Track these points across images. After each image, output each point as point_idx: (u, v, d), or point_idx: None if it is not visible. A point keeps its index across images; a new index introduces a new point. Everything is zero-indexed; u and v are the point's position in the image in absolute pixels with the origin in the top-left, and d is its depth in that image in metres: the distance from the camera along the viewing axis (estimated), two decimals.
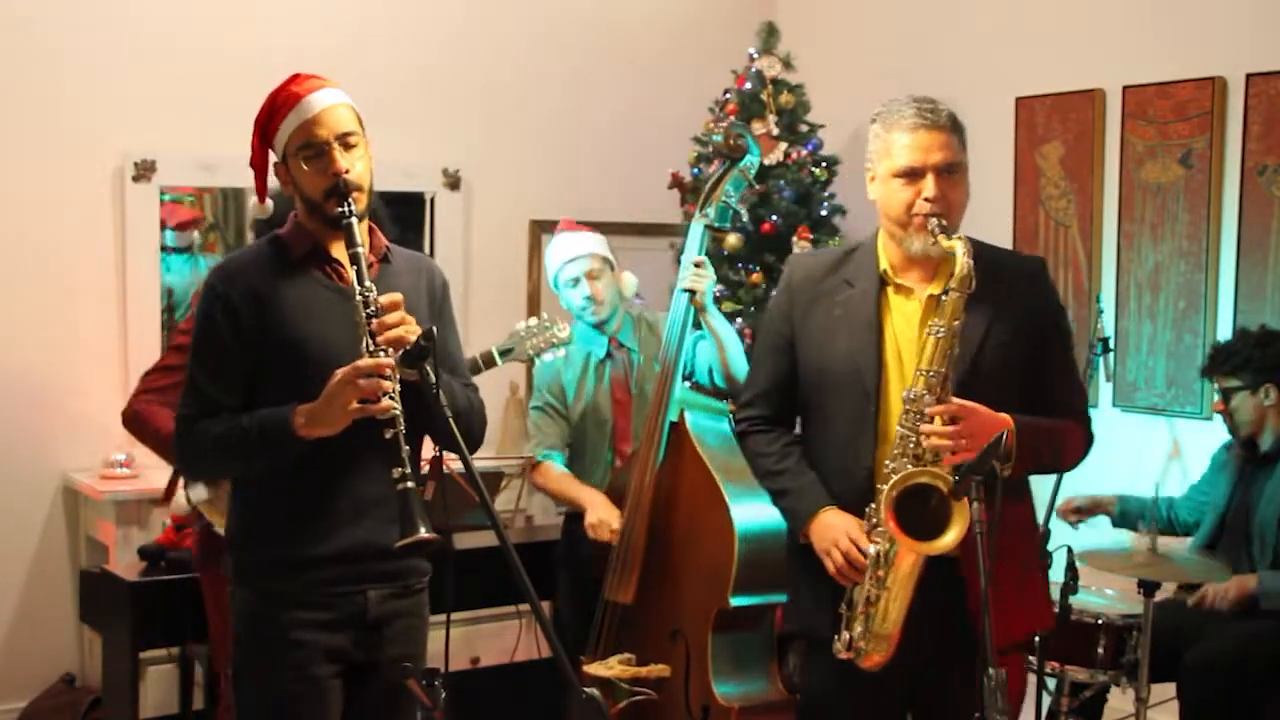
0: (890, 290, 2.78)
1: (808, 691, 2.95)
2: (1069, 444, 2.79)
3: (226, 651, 3.53)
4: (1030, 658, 3.95)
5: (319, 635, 2.57)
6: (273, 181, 2.70)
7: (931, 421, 2.59)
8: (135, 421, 3.49)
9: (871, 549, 2.66)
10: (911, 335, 2.73)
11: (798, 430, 2.96)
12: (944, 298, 2.62)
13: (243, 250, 2.72)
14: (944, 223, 2.65)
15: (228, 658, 3.48)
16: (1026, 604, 2.83)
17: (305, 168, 2.55)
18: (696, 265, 3.68)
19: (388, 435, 2.42)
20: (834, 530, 2.72)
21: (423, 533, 2.36)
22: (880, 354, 2.73)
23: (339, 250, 2.60)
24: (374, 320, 2.46)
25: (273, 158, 2.64)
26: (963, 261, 2.60)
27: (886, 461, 2.65)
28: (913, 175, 2.68)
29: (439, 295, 2.77)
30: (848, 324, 2.77)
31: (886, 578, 2.64)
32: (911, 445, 2.62)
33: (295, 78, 2.59)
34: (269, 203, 2.75)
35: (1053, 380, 2.79)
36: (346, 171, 2.53)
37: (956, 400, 2.60)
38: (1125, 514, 4.39)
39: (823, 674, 2.82)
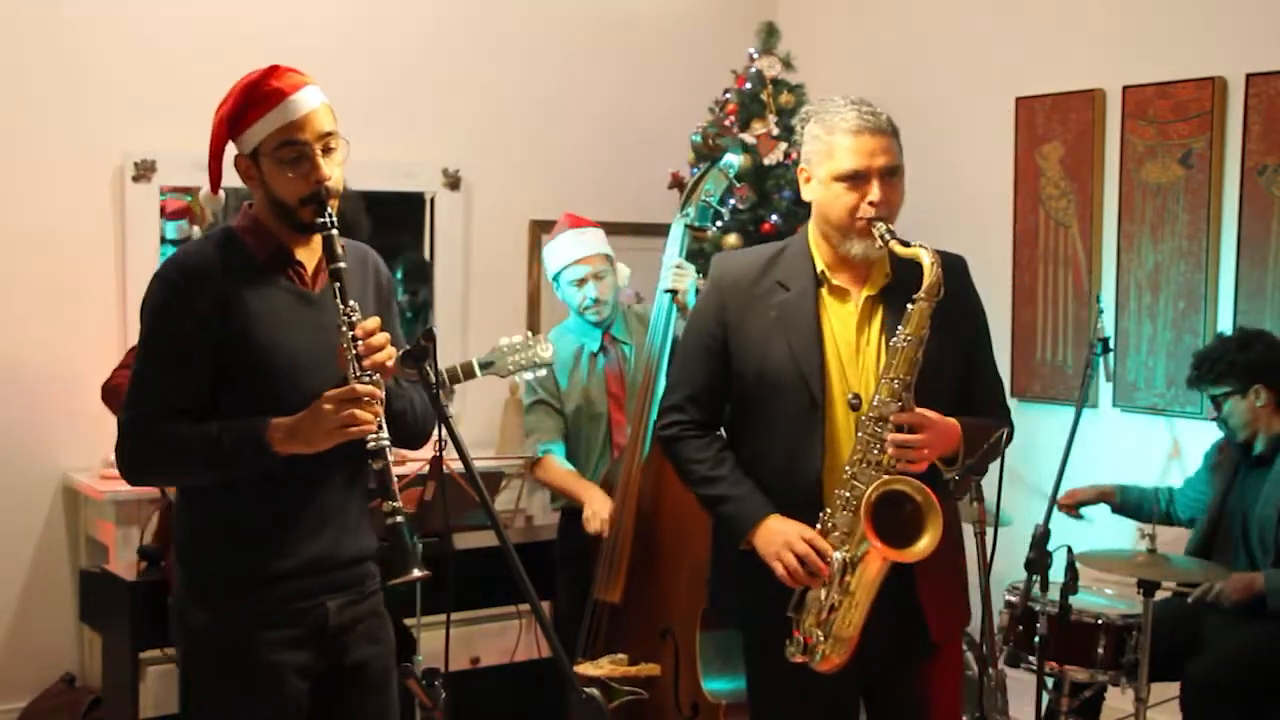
0: (825, 292, 2.76)
1: (758, 698, 2.90)
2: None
3: None
4: (1030, 658, 3.96)
5: (287, 654, 2.48)
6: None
7: (898, 430, 2.58)
8: (115, 395, 3.48)
9: (836, 555, 2.62)
10: (849, 337, 2.73)
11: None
12: (911, 306, 2.61)
13: (194, 244, 2.56)
14: (891, 228, 2.64)
15: None
16: (958, 600, 2.85)
17: (286, 171, 2.42)
18: (676, 266, 3.72)
19: (377, 466, 2.36)
20: (785, 535, 2.66)
21: (414, 573, 2.32)
22: (822, 357, 2.71)
23: (303, 252, 2.52)
24: (359, 344, 2.38)
25: (232, 149, 2.51)
26: (932, 270, 2.59)
27: (846, 468, 2.64)
28: (856, 179, 2.66)
29: (385, 288, 2.68)
30: (787, 327, 2.73)
31: (851, 584, 2.62)
32: (875, 452, 2.60)
33: (275, 71, 2.47)
34: (221, 194, 2.66)
35: (977, 377, 2.82)
36: (328, 179, 2.43)
37: (920, 410, 2.60)
38: (1125, 502, 4.41)
39: (773, 678, 2.80)
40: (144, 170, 4.90)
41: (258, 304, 2.46)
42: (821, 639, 2.64)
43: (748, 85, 5.47)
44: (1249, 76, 4.59)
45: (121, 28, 4.85)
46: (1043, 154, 5.21)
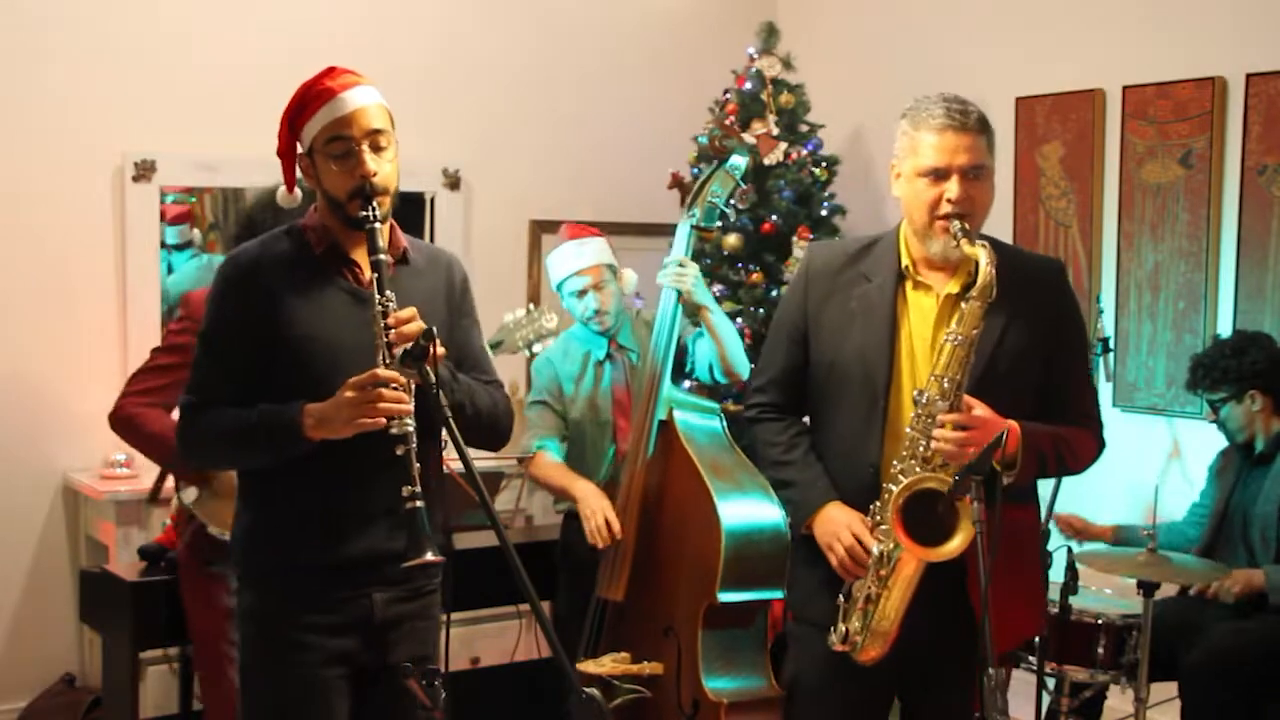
0: (909, 286, 2.77)
1: (797, 677, 2.94)
2: (1078, 450, 2.78)
3: (207, 651, 3.56)
4: (1030, 658, 3.97)
5: (325, 639, 2.55)
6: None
7: (943, 428, 2.58)
8: (126, 424, 3.45)
9: (875, 548, 2.65)
10: (927, 333, 2.73)
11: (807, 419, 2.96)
12: (963, 305, 2.61)
13: (258, 240, 2.66)
14: (966, 226, 2.64)
15: (209, 657, 3.50)
16: (1024, 610, 2.83)
17: (333, 166, 2.51)
18: (679, 264, 3.71)
19: (399, 452, 2.40)
20: (836, 525, 2.72)
21: (429, 555, 2.34)
22: (893, 351, 2.73)
23: (358, 251, 2.57)
24: (391, 332, 2.42)
25: (298, 149, 2.60)
26: (985, 270, 2.58)
27: (895, 463, 2.65)
28: (938, 176, 2.66)
29: (459, 290, 2.75)
30: (863, 319, 2.76)
31: (889, 578, 2.64)
32: (921, 449, 2.61)
33: (331, 71, 2.56)
34: (297, 192, 2.68)
35: (1066, 385, 2.79)
36: (374, 174, 2.50)
37: (968, 399, 2.59)
38: (1120, 543, 4.36)
39: (814, 661, 2.82)
40: (144, 170, 4.90)
41: (307, 299, 2.53)
42: (859, 629, 2.67)
43: (748, 85, 5.47)
44: (1249, 76, 4.59)
45: (121, 28, 4.84)
46: (1043, 154, 5.21)
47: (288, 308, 2.52)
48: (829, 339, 2.80)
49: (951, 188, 2.65)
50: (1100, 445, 2.85)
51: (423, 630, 2.67)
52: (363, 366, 2.45)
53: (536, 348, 3.85)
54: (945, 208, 2.66)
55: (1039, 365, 2.74)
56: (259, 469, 2.60)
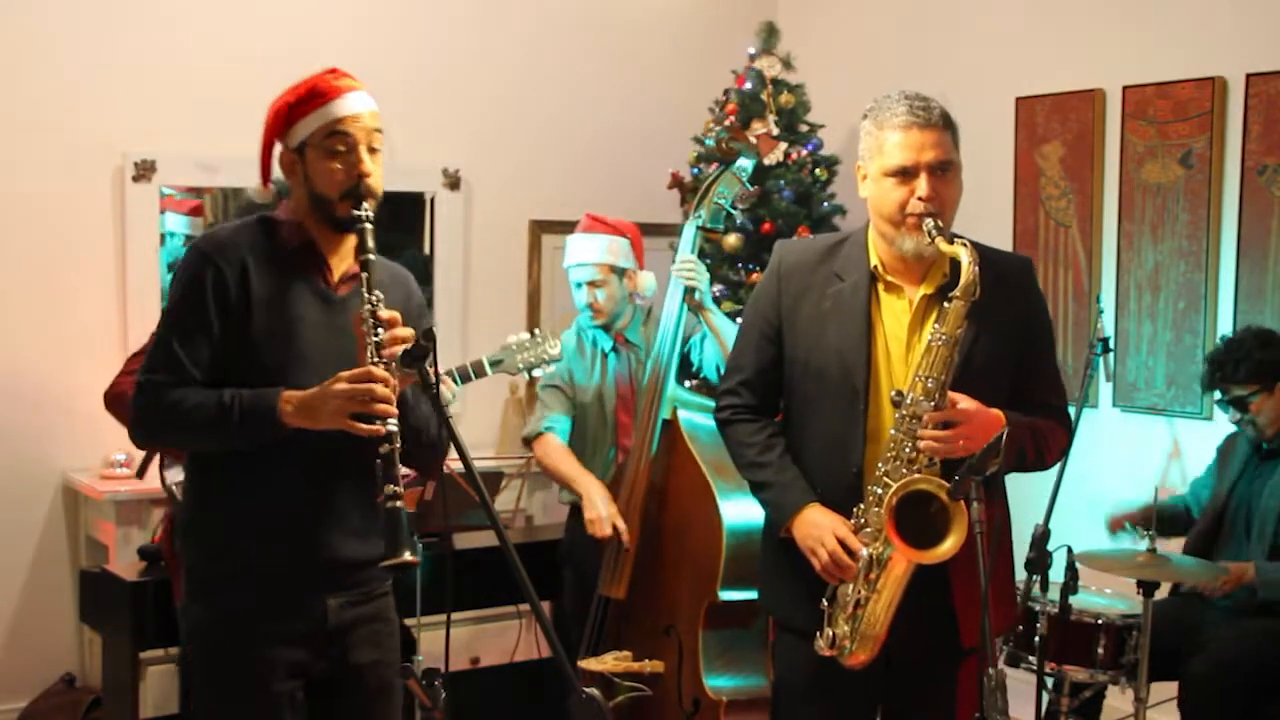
0: (880, 287, 2.76)
1: (782, 681, 2.92)
2: (1051, 443, 2.80)
3: None
4: (1030, 658, 3.97)
5: (279, 650, 2.50)
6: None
7: (928, 428, 2.57)
8: (118, 399, 3.47)
9: (864, 552, 2.63)
10: (901, 334, 2.72)
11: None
12: (946, 304, 2.60)
13: (232, 224, 2.60)
14: (940, 224, 2.62)
15: None
16: (1000, 604, 2.82)
17: (328, 163, 2.49)
18: (689, 265, 3.72)
19: (383, 451, 2.37)
20: (820, 528, 2.68)
21: (407, 556, 2.32)
22: (870, 352, 2.72)
23: (332, 252, 2.55)
24: (381, 329, 2.40)
25: (278, 145, 2.56)
26: (969, 269, 2.57)
27: (879, 465, 2.64)
28: (906, 174, 2.65)
29: (414, 312, 2.68)
30: (837, 319, 2.74)
31: (878, 580, 2.63)
32: (906, 450, 2.60)
33: (334, 72, 2.55)
34: (271, 188, 2.66)
35: (1036, 378, 2.80)
36: (370, 174, 2.49)
37: (954, 395, 2.59)
38: (1161, 519, 4.35)
39: (798, 664, 2.81)
40: (144, 170, 4.90)
41: (277, 292, 2.50)
42: (848, 634, 2.65)
43: (748, 85, 5.47)
44: (1249, 76, 4.59)
45: (122, 28, 4.85)
46: (1043, 154, 5.21)
47: (261, 300, 2.48)
48: (804, 337, 2.79)
49: (921, 185, 2.64)
50: (1070, 439, 2.87)
51: (380, 634, 2.63)
52: (321, 371, 2.43)
53: (536, 373, 3.84)
54: (915, 206, 2.64)
55: (1010, 361, 2.75)
56: (210, 471, 2.55)
